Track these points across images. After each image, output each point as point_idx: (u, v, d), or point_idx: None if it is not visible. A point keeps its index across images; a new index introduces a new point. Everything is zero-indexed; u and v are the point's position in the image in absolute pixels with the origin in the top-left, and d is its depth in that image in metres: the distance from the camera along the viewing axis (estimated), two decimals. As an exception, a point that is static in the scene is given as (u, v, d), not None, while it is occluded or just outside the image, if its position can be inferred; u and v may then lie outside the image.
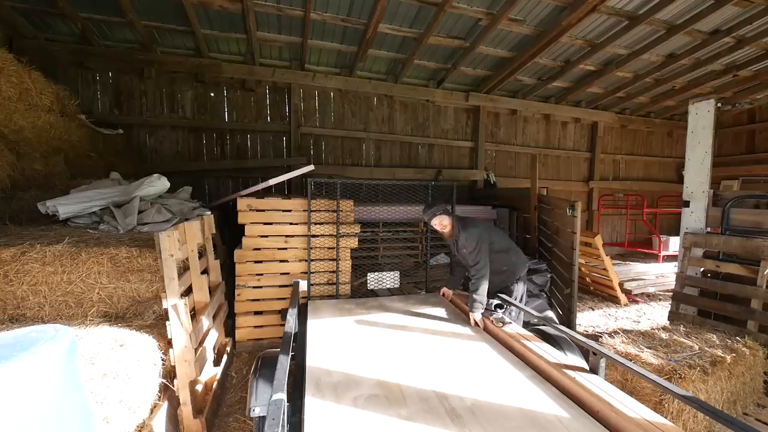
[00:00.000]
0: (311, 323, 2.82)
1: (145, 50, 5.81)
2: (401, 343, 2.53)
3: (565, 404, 1.81)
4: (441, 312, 3.21)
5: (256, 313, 3.84)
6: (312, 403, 1.74)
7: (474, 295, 2.91)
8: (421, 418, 1.66)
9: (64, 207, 3.09)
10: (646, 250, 8.36)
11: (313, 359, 2.19)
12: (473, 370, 2.14)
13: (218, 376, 2.99)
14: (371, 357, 2.27)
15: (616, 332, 3.13)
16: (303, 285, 3.68)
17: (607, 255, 5.59)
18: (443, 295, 3.60)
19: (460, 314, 3.17)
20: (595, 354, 2.10)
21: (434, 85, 7.61)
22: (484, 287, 2.95)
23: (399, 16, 5.40)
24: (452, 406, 1.77)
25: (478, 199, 7.23)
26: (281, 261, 3.87)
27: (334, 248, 3.93)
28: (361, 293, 4.19)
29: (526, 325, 3.10)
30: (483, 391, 1.91)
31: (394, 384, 1.95)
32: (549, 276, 4.76)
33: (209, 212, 3.57)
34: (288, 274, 3.88)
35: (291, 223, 3.86)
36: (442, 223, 3.19)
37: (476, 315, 2.88)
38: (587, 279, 6.21)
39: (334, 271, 3.95)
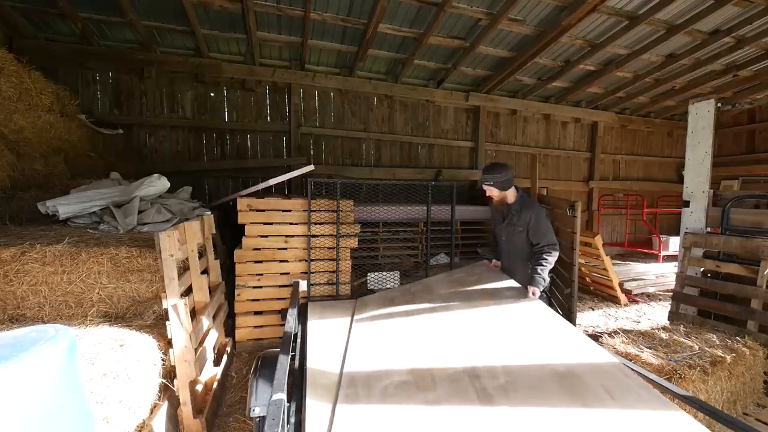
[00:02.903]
0: (360, 316, 2.73)
1: (145, 50, 5.81)
2: (443, 324, 2.43)
3: (613, 372, 1.68)
4: (486, 285, 3.03)
5: (256, 313, 3.84)
6: (347, 394, 1.72)
7: (539, 269, 2.75)
8: (449, 401, 1.62)
9: (64, 207, 3.09)
10: (646, 250, 8.37)
11: (354, 353, 2.15)
12: (515, 348, 2.03)
13: (218, 376, 2.99)
14: (406, 343, 2.22)
15: (616, 332, 3.13)
16: (303, 285, 3.68)
17: (607, 255, 5.59)
18: (493, 265, 3.40)
19: (505, 285, 2.98)
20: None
21: (434, 85, 7.61)
22: (550, 266, 2.81)
23: (399, 16, 5.40)
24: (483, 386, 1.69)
25: (478, 199, 7.23)
26: (281, 261, 3.87)
27: (334, 248, 3.93)
28: (360, 293, 4.19)
29: None
30: (523, 367, 1.82)
31: (425, 369, 1.90)
32: (549, 276, 4.76)
33: (209, 212, 3.57)
34: (288, 274, 3.88)
35: (291, 223, 3.86)
36: (489, 192, 3.02)
37: (536, 291, 2.67)
38: (587, 279, 6.21)
39: (334, 271, 3.95)
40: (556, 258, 2.85)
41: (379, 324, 2.59)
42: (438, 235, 5.78)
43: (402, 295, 3.16)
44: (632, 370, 1.86)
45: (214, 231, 3.42)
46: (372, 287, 4.16)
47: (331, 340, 2.43)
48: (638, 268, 7.08)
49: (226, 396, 3.09)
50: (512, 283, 2.95)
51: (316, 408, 1.69)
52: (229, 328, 3.79)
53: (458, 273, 3.50)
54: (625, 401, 1.51)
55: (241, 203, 3.71)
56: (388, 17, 5.37)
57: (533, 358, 1.88)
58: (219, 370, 3.06)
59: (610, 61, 6.83)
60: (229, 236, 4.50)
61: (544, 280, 2.74)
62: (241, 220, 3.72)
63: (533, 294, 2.64)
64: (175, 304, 2.35)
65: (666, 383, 1.76)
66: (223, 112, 6.51)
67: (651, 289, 6.24)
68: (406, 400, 1.66)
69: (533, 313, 2.40)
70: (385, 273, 4.22)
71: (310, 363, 2.08)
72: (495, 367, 1.82)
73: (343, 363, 2.06)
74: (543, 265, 2.77)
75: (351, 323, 2.63)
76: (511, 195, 3.03)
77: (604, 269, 5.64)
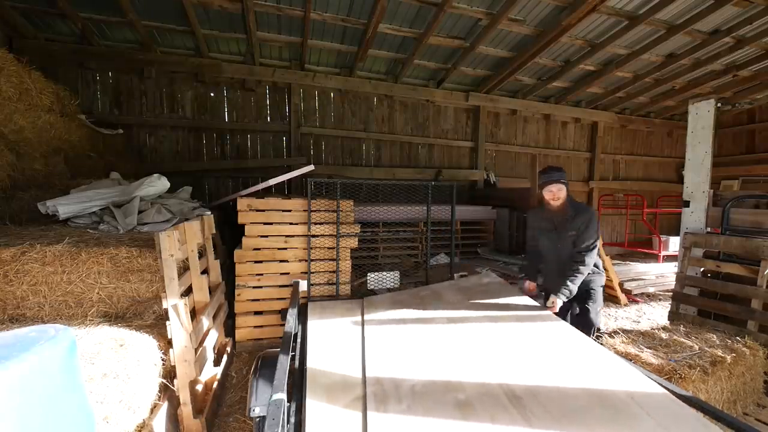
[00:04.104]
0: (371, 317, 2.71)
1: (145, 50, 5.81)
2: (463, 334, 2.41)
3: (639, 381, 1.72)
4: (498, 297, 3.02)
5: (256, 313, 3.84)
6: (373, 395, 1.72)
7: (568, 281, 2.63)
8: (478, 401, 1.62)
9: (64, 207, 3.09)
10: (646, 250, 8.37)
11: (372, 355, 2.15)
12: (533, 356, 2.04)
13: (218, 376, 2.99)
14: (426, 350, 2.21)
15: (616, 332, 3.13)
16: (303, 285, 3.68)
17: (607, 255, 5.59)
18: (528, 289, 3.08)
19: (518, 299, 2.95)
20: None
21: (434, 85, 7.61)
22: (582, 278, 2.70)
23: (399, 16, 5.40)
24: (510, 388, 1.70)
25: (478, 199, 7.24)
26: (281, 261, 3.87)
27: (334, 248, 3.93)
28: (361, 293, 4.20)
29: None
30: (544, 374, 1.83)
31: (452, 373, 1.91)
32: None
33: (209, 212, 3.57)
34: (288, 274, 3.88)
35: (291, 223, 3.86)
36: (559, 193, 2.83)
37: (559, 302, 2.59)
38: (587, 279, 6.20)
39: (334, 271, 3.95)
40: (589, 267, 2.73)
41: (393, 327, 2.58)
42: (438, 235, 5.78)
43: (411, 298, 3.16)
44: (676, 395, 1.74)
45: (214, 231, 3.42)
46: (372, 287, 4.16)
47: (332, 340, 2.43)
48: (638, 268, 7.08)
49: (226, 396, 3.08)
50: (525, 298, 2.93)
51: (316, 408, 1.69)
52: (229, 328, 3.79)
53: (465, 282, 3.50)
54: None
55: (241, 203, 3.71)
56: (388, 17, 5.37)
57: (568, 378, 1.83)
58: (219, 370, 3.06)
59: (610, 61, 6.83)
60: (229, 236, 4.50)
61: (571, 292, 2.64)
62: (241, 220, 3.72)
63: (553, 304, 2.57)
64: (175, 304, 2.34)
65: (666, 383, 1.76)
66: (223, 112, 6.51)
67: (651, 289, 6.24)
68: (437, 406, 1.64)
69: (556, 330, 2.36)
70: (385, 273, 4.22)
71: (310, 363, 2.08)
72: (530, 386, 1.76)
73: (363, 364, 2.05)
74: (575, 276, 2.66)
75: (362, 324, 2.62)
76: (564, 198, 2.90)
77: (604, 269, 5.63)
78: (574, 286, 2.65)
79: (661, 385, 1.74)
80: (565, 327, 2.39)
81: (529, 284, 3.09)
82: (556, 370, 1.87)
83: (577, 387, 1.73)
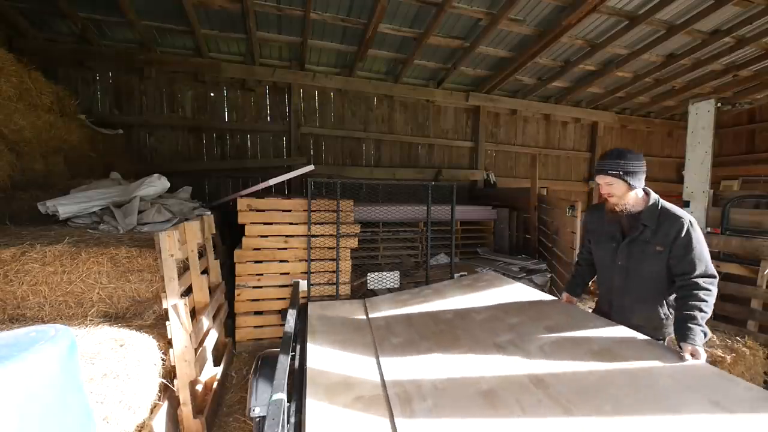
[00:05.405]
0: (376, 316, 2.68)
1: (145, 50, 5.81)
2: (468, 326, 2.38)
3: (656, 350, 1.75)
4: (502, 290, 2.98)
5: (256, 313, 3.84)
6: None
7: (698, 314, 1.84)
8: (502, 388, 1.64)
9: (64, 207, 3.09)
10: (646, 250, 8.35)
11: (385, 355, 2.12)
12: (548, 338, 2.00)
13: (218, 376, 2.99)
14: (438, 344, 2.19)
15: (616, 332, 3.13)
16: (303, 285, 3.68)
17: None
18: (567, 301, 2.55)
19: (520, 289, 2.88)
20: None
21: (434, 85, 7.61)
22: (710, 311, 1.90)
23: (399, 16, 5.40)
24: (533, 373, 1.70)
25: (478, 199, 7.23)
26: (281, 261, 3.87)
27: (334, 248, 3.93)
28: (361, 293, 4.20)
29: None
30: (562, 355, 1.82)
31: (471, 366, 1.90)
32: (549, 276, 4.76)
33: (209, 212, 3.57)
34: (288, 274, 3.88)
35: (291, 223, 3.86)
36: (610, 189, 2.10)
37: (700, 352, 1.72)
38: (587, 279, 6.19)
39: (334, 271, 3.95)
40: (714, 297, 1.91)
41: (399, 325, 2.55)
42: (438, 235, 5.78)
43: (413, 297, 3.13)
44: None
45: (214, 231, 3.42)
46: (372, 287, 4.15)
47: (332, 340, 2.43)
48: (638, 268, 7.06)
49: (226, 396, 3.08)
50: (529, 288, 2.87)
51: (316, 408, 1.69)
52: (229, 328, 3.79)
53: (466, 280, 3.49)
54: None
55: (241, 203, 3.71)
56: (388, 17, 5.37)
57: (586, 356, 1.79)
58: (219, 370, 3.06)
59: (610, 61, 6.83)
60: (229, 236, 4.51)
61: (705, 333, 1.81)
62: (241, 220, 3.72)
63: (692, 355, 1.69)
64: (175, 304, 2.35)
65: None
66: (223, 112, 6.51)
67: (651, 289, 6.23)
68: (462, 398, 1.63)
69: (566, 312, 2.32)
70: (385, 273, 4.21)
71: (310, 363, 2.08)
72: (551, 368, 1.74)
73: (378, 364, 2.03)
74: (703, 311, 1.84)
75: (369, 323, 2.60)
76: (639, 200, 2.09)
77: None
78: (704, 323, 1.85)
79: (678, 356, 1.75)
80: (574, 309, 2.38)
81: (567, 297, 2.53)
82: (574, 350, 1.87)
83: (595, 363, 1.74)
